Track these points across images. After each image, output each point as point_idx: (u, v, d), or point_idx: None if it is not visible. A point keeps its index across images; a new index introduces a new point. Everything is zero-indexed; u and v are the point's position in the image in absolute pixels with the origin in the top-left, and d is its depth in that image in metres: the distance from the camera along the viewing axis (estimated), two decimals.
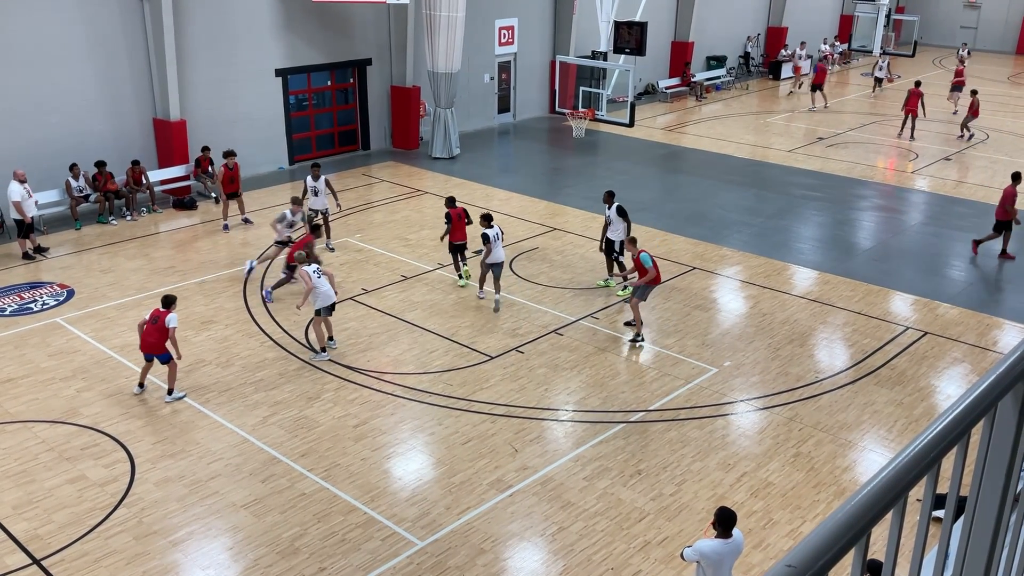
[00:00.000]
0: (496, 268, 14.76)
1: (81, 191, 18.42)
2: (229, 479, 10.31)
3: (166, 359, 11.88)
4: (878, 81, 34.28)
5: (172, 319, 11.74)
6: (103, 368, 12.81)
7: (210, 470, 10.48)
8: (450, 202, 15.74)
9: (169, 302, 11.87)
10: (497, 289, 14.87)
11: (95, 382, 12.42)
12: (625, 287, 15.19)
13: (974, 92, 26.98)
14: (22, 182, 16.57)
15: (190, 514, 9.69)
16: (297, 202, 16.48)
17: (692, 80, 33.26)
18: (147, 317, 11.85)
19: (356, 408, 11.87)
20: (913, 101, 26.69)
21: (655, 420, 11.72)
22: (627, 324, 14.33)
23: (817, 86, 31.07)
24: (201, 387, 12.34)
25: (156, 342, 11.77)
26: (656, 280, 13.72)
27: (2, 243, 17.47)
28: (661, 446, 11.10)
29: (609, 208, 15.59)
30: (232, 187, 18.56)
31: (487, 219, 14.87)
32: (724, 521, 7.31)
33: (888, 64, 34.70)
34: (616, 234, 15.49)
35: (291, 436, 11.18)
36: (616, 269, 15.85)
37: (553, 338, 13.91)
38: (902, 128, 27.22)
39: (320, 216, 17.24)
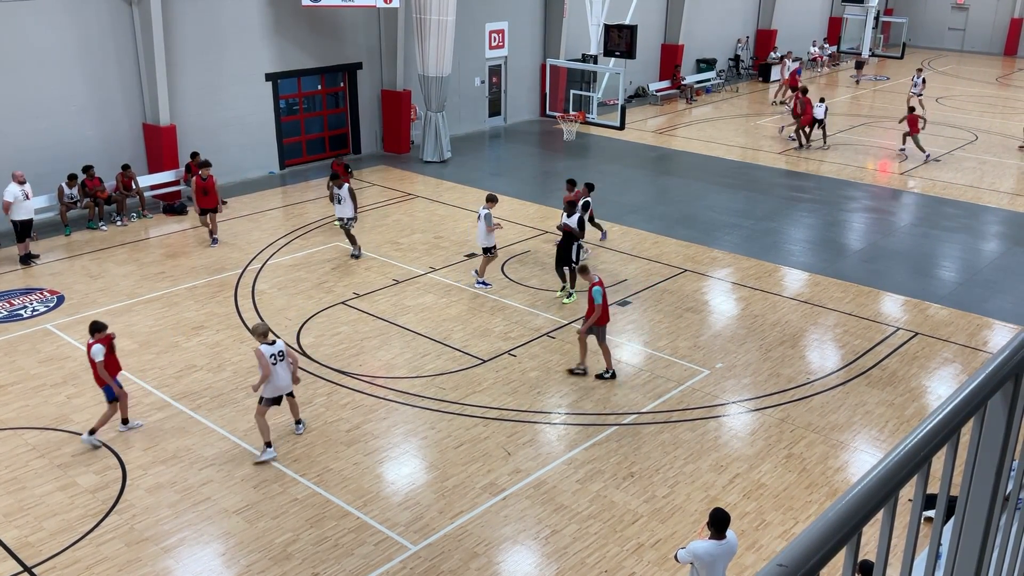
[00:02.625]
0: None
1: (72, 198, 18.33)
2: (221, 485, 10.27)
3: (111, 396, 10.90)
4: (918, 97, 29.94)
5: (96, 351, 10.63)
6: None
7: (202, 476, 10.44)
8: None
9: (95, 329, 10.73)
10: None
11: (86, 388, 12.35)
12: (569, 294, 15.44)
13: (911, 109, 25.73)
14: (20, 183, 16.52)
15: (182, 520, 9.65)
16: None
17: (682, 83, 33.32)
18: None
19: (348, 413, 11.84)
20: (913, 125, 25.96)
21: (648, 422, 11.72)
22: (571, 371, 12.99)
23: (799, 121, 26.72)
24: (192, 392, 12.30)
25: (95, 377, 10.83)
26: (602, 320, 12.38)
27: None
28: (654, 448, 11.11)
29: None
30: (207, 201, 17.53)
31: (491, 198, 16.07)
32: (717, 523, 7.35)
33: (924, 80, 30.48)
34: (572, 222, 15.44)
35: (283, 441, 11.14)
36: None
37: (545, 341, 13.91)
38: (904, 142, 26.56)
39: (346, 223, 17.07)
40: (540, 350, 13.64)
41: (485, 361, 13.29)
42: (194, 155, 20.23)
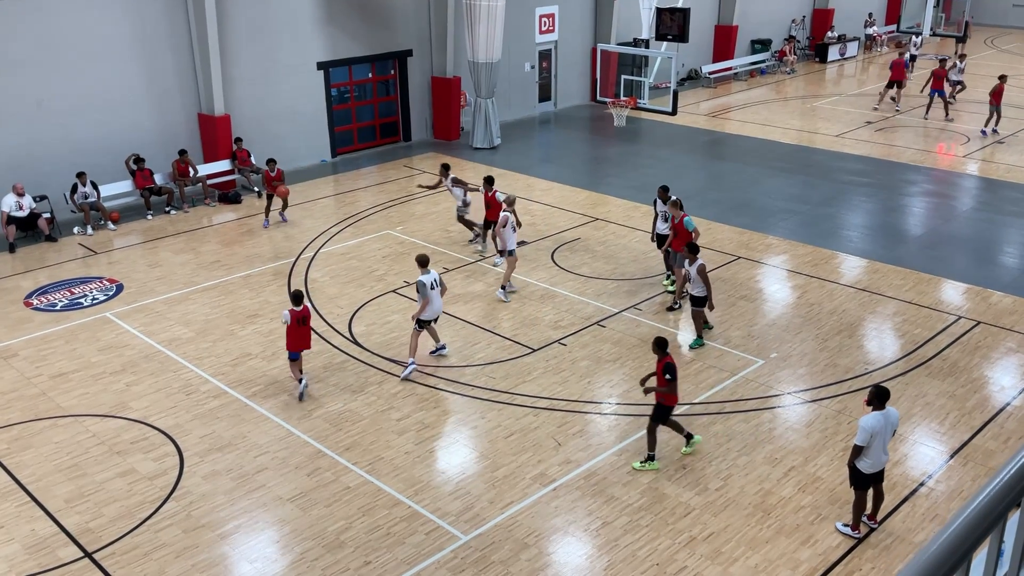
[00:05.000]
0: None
1: (86, 197, 18.22)
2: (275, 472, 10.41)
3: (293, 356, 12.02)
4: (957, 84, 28.23)
5: (285, 315, 11.85)
6: (152, 362, 13.01)
7: (256, 463, 10.59)
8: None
9: (301, 298, 11.89)
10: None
11: (144, 376, 12.61)
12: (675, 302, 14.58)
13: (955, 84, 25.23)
14: (19, 195, 17.28)
15: (237, 507, 9.80)
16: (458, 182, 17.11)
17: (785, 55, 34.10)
18: (287, 322, 11.74)
19: (399, 402, 11.90)
20: (938, 82, 26.10)
21: (700, 413, 11.58)
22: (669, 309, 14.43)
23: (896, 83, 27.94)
24: (247, 380, 12.47)
25: (307, 338, 11.98)
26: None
27: (51, 241, 17.80)
28: (707, 439, 10.97)
29: (664, 204, 14.81)
30: (279, 189, 18.27)
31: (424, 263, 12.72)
32: (880, 395, 8.75)
33: (964, 65, 28.87)
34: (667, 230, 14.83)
35: (335, 429, 11.25)
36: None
37: (596, 330, 13.82)
38: (928, 108, 26.67)
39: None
40: (590, 339, 13.54)
41: (535, 350, 13.25)
42: (237, 140, 20.52)
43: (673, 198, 14.57)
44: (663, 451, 10.70)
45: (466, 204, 17.00)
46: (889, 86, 28.14)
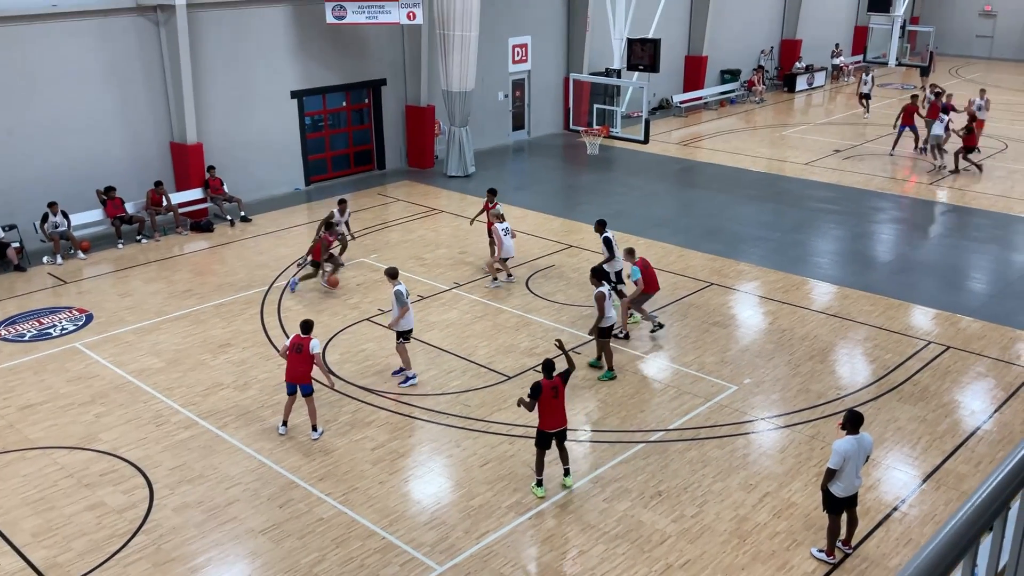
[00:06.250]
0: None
1: (56, 227, 17.97)
2: (247, 504, 10.28)
3: (309, 390, 11.51)
4: (864, 98, 31.54)
5: (315, 344, 11.40)
6: (121, 393, 12.84)
7: (228, 495, 10.45)
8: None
9: (309, 327, 11.51)
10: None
11: (114, 407, 12.44)
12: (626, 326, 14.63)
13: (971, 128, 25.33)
14: None
15: (209, 540, 9.65)
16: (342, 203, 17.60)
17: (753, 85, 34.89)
18: (287, 345, 11.43)
19: (373, 431, 11.82)
20: (908, 118, 26.07)
21: (675, 440, 11.60)
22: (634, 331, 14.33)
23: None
24: (219, 411, 12.34)
25: (304, 371, 11.40)
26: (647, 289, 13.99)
27: (20, 271, 17.57)
28: (681, 466, 10.98)
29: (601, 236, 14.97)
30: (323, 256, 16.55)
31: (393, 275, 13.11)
32: (853, 420, 8.85)
33: (873, 78, 31.88)
34: (608, 265, 14.78)
35: (309, 460, 11.14)
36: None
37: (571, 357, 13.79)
38: (895, 144, 26.57)
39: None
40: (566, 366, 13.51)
41: (511, 378, 13.23)
42: (210, 169, 20.45)
43: (620, 248, 14.93)
44: (637, 478, 10.69)
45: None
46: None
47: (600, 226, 15.29)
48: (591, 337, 13.57)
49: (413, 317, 13.17)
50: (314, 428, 11.66)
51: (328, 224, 17.00)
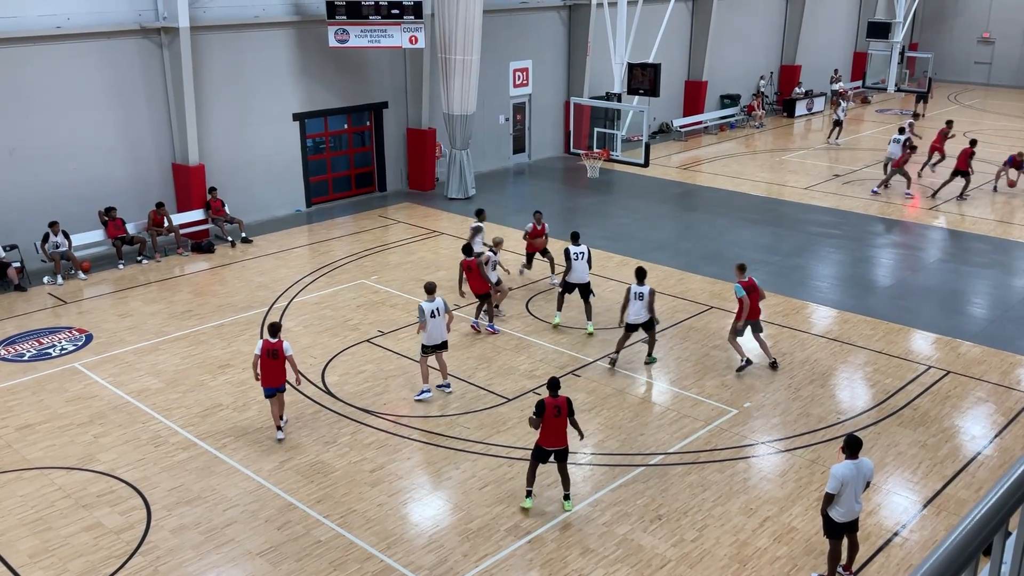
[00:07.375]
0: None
1: (57, 247, 17.99)
2: (245, 526, 10.22)
3: (283, 389, 12.03)
4: (837, 125, 31.63)
5: (288, 346, 11.90)
6: (120, 413, 12.81)
7: (226, 517, 10.40)
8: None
9: (277, 330, 11.91)
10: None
11: (112, 427, 12.40)
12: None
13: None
14: None
15: (206, 562, 9.60)
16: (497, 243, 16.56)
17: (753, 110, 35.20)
18: (258, 354, 11.82)
19: (372, 452, 11.78)
20: (939, 139, 26.38)
21: (675, 463, 11.56)
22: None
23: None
24: (217, 432, 12.31)
25: (281, 373, 11.89)
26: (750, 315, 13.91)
27: (20, 291, 17.58)
28: (681, 490, 10.94)
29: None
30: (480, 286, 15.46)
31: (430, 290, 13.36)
32: (852, 445, 8.79)
33: (846, 106, 32.35)
34: (570, 276, 15.42)
35: (307, 482, 11.10)
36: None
37: (571, 379, 13.81)
38: (923, 168, 26.59)
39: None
40: (565, 388, 13.44)
41: (510, 400, 13.21)
42: (212, 190, 20.50)
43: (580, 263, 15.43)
44: (637, 502, 10.65)
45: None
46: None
47: (573, 238, 15.88)
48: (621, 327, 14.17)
49: (437, 333, 13.08)
50: (282, 418, 12.14)
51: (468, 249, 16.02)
